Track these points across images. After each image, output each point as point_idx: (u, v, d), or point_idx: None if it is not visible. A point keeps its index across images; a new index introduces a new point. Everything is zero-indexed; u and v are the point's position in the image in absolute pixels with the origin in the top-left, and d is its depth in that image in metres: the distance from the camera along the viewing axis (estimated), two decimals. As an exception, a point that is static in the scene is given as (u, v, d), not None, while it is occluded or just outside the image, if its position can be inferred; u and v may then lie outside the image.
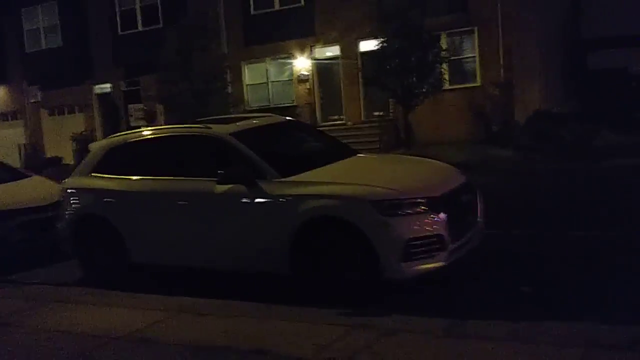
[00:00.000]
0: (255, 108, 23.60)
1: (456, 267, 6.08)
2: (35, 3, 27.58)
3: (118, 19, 25.75)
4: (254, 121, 7.66)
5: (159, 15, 24.51)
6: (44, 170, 20.06)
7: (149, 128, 7.94)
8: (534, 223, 8.73)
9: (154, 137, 7.53)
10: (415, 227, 5.76)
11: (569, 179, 13.03)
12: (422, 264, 5.77)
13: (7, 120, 31.21)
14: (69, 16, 27.04)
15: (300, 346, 4.78)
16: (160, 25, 23.96)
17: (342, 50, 21.73)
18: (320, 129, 22.25)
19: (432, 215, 5.83)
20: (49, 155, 28.46)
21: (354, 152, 7.64)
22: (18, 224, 9.15)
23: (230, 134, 6.83)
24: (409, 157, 9.21)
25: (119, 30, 25.73)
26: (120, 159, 7.58)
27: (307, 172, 6.44)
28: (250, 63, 23.76)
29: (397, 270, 5.72)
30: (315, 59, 22.40)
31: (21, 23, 28.20)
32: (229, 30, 23.54)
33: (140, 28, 25.12)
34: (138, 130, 8.23)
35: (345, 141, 21.17)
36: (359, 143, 21.03)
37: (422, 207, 5.84)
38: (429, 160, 7.61)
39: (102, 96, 27.75)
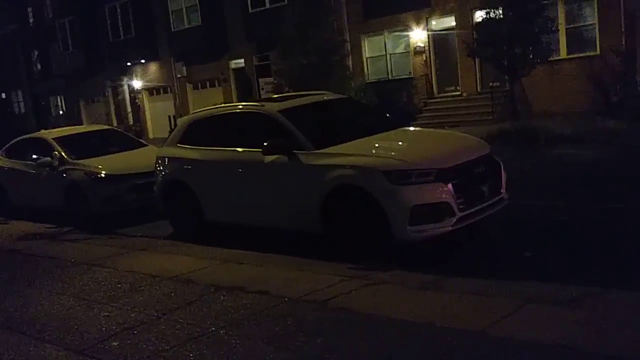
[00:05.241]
0: (374, 80, 24.39)
1: (469, 232, 6.71)
2: (179, -16, 30.10)
3: (249, -3, 27.44)
4: (304, 99, 8.59)
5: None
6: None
7: (218, 105, 9.12)
8: (586, 194, 8.89)
9: (220, 113, 8.73)
10: (422, 195, 6.46)
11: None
12: (428, 228, 6.47)
13: (160, 94, 34.48)
14: (205, -5, 29.25)
15: (296, 290, 5.74)
16: (285, 2, 25.30)
17: (457, 20, 21.79)
18: (435, 100, 22.88)
19: (439, 185, 6.49)
20: (193, 126, 31.07)
21: (397, 126, 8.32)
22: (130, 186, 10.85)
23: (278, 111, 7.83)
24: (443, 130, 9.61)
25: (250, 7, 27.44)
26: (197, 132, 8.88)
27: (340, 145, 7.26)
28: (369, 36, 24.49)
29: (405, 232, 6.46)
30: (431, 31, 22.66)
31: (167, 4, 30.91)
32: (349, 5, 24.38)
33: (268, 5, 26.66)
34: (211, 107, 9.48)
35: (459, 112, 21.41)
36: (474, 114, 21.17)
37: (430, 177, 6.51)
38: (458, 134, 8.14)
39: (238, 70, 29.89)
